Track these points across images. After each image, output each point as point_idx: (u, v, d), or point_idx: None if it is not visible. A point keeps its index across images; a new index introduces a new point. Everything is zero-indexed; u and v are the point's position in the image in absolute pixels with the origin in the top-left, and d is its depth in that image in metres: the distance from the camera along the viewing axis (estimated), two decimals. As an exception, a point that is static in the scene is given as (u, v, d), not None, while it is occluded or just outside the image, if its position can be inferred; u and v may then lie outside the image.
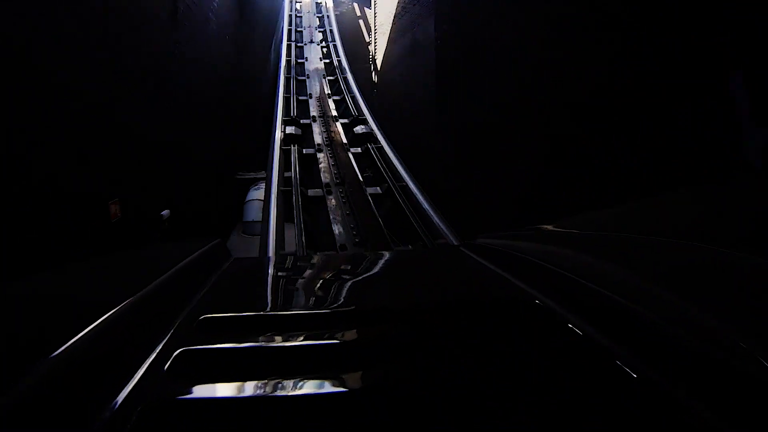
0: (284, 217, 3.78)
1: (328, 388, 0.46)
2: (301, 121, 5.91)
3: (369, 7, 9.19)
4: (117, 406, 0.41)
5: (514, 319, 0.64)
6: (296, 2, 9.91)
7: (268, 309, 0.75)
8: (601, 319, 0.54)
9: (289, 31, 8.46)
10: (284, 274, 1.11)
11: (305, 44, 8.51)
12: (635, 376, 0.44)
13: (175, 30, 4.67)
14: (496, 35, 3.72)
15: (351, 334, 0.60)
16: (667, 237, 0.70)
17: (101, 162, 3.18)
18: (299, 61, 7.91)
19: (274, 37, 9.39)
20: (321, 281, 1.00)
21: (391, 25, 7.51)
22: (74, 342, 0.44)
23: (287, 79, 7.12)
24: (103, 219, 3.21)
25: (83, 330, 0.46)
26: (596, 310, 0.56)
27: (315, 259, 1.42)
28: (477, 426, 0.40)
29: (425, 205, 4.08)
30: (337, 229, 3.56)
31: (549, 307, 0.63)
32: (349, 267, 1.16)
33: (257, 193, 7.86)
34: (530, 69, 3.14)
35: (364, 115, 6.01)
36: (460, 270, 0.97)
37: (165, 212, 4.45)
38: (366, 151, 5.18)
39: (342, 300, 0.81)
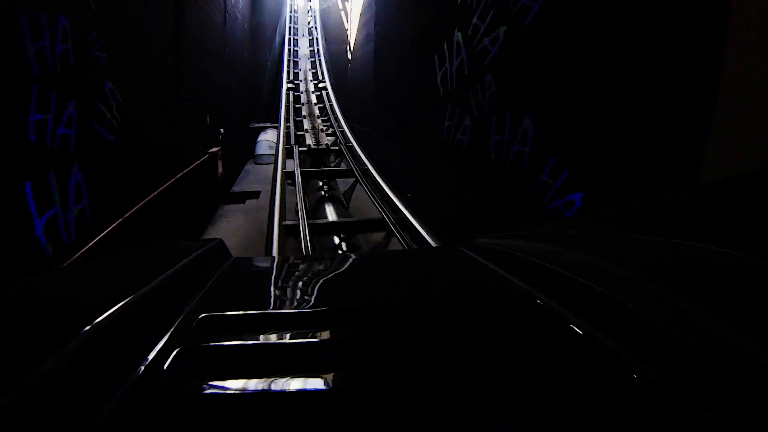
0: (288, 111, 8.44)
1: (330, 384, 0.46)
2: (295, 81, 10.41)
3: (348, 0, 12.84)
4: (117, 405, 0.40)
5: (514, 318, 0.62)
6: (293, 4, 13.56)
7: (270, 308, 0.74)
8: (601, 318, 0.54)
9: (290, 28, 12.43)
10: (284, 273, 1.10)
11: (299, 37, 12.56)
12: (635, 376, 0.43)
13: (224, 29, 8.36)
14: (390, 38, 7.56)
15: (350, 332, 0.59)
16: (667, 237, 0.69)
17: (207, 99, 6.98)
18: (295, 48, 12.03)
19: (278, 30, 13.07)
20: (320, 280, 0.98)
21: (358, 20, 10.34)
22: (74, 342, 0.44)
23: (288, 61, 11.23)
24: (205, 123, 7.02)
25: (82, 329, 0.46)
26: (596, 310, 0.55)
27: (314, 260, 1.43)
28: (476, 424, 0.40)
29: (338, 111, 8.42)
30: (304, 111, 8.45)
31: (549, 306, 0.61)
32: (348, 267, 1.15)
33: (265, 136, 11.81)
34: (398, 53, 7.01)
35: (324, 77, 10.46)
36: (460, 269, 0.97)
37: (222, 130, 8.31)
38: (320, 93, 9.71)
39: (341, 298, 0.81)
